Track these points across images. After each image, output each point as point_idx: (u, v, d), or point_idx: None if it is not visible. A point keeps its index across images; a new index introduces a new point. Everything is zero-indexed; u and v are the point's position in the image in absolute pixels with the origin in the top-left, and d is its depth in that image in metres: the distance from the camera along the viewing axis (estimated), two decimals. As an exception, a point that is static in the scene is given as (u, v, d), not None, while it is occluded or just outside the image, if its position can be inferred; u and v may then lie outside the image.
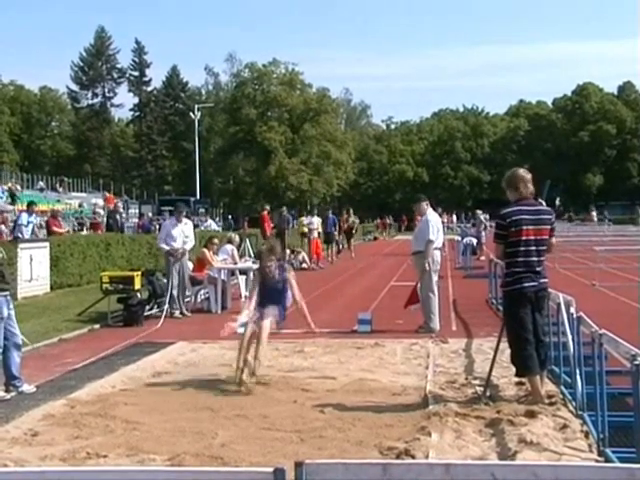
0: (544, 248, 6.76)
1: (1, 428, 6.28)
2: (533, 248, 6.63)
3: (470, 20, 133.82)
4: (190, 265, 14.89)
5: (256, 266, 15.26)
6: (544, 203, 7.51)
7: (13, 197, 31.43)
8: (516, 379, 7.10)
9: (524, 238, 6.58)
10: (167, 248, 13.59)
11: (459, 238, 29.49)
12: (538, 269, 6.70)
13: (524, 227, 6.59)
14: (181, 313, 13.42)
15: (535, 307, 6.72)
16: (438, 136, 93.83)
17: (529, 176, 6.93)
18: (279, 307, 7.95)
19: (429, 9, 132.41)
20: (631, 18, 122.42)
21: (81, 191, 49.60)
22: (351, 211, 35.39)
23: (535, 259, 6.66)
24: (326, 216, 31.52)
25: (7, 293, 7.86)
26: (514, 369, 6.91)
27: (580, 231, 47.77)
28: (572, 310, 6.90)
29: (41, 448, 5.65)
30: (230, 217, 52.31)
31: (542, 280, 6.74)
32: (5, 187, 32.04)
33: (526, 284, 6.62)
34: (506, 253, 6.73)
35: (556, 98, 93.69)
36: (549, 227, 6.81)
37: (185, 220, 14.49)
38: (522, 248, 6.59)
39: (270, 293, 7.99)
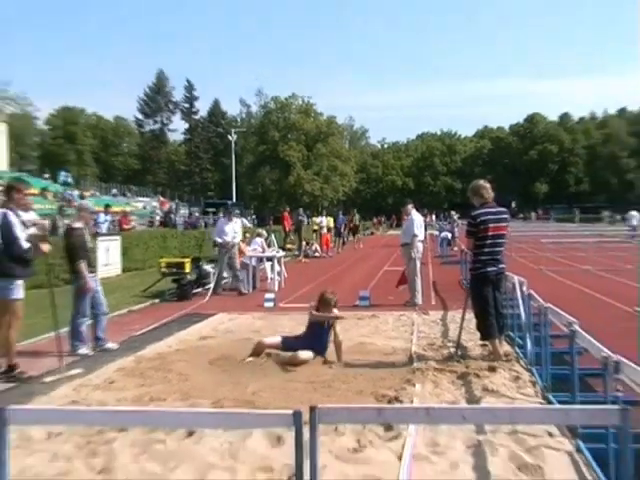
0: (503, 240, 6.79)
1: (86, 377, 6.38)
2: (495, 241, 6.68)
3: (447, 63, 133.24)
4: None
5: (280, 253, 15.41)
6: None
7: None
8: (480, 342, 7.12)
9: (490, 234, 6.62)
10: (220, 241, 13.63)
11: (437, 233, 29.42)
12: (498, 257, 6.74)
13: (490, 225, 6.63)
14: (240, 292, 13.21)
15: (495, 286, 6.75)
16: (421, 153, 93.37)
17: (488, 185, 6.99)
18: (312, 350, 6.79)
19: (415, 56, 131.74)
20: (568, 62, 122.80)
21: (144, 196, 49.71)
22: (355, 211, 35.35)
23: (497, 249, 6.71)
24: (337, 215, 31.64)
25: (95, 274, 8.05)
26: (479, 335, 6.93)
27: (531, 227, 47.95)
28: (524, 288, 6.95)
29: (116, 393, 5.71)
30: (255, 217, 52.19)
31: (501, 266, 6.78)
32: (77, 192, 32.21)
33: (489, 269, 6.66)
34: (475, 245, 6.74)
35: (512, 124, 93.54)
36: (506, 224, 6.88)
37: (235, 219, 14.53)
38: (488, 241, 6.63)
39: (312, 337, 6.92)
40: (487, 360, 6.60)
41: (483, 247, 6.65)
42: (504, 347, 6.94)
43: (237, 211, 38.31)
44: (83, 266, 7.63)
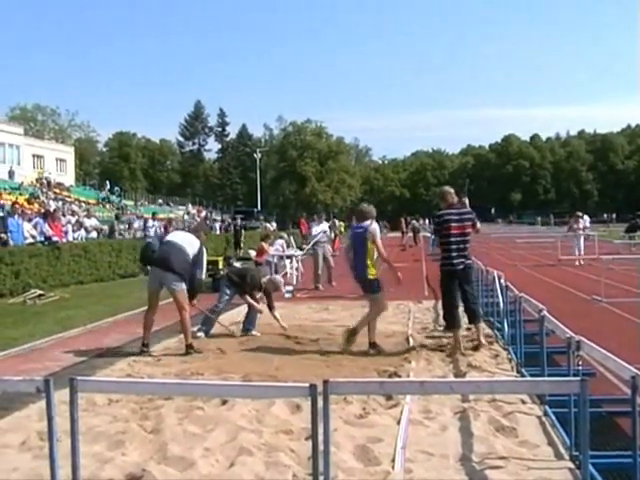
0: (467, 238, 6.28)
1: (138, 357, 6.39)
2: (458, 239, 6.20)
3: (438, 95, 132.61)
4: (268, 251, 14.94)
5: (298, 253, 15.39)
6: (467, 200, 6.89)
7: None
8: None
9: (452, 232, 6.19)
10: (315, 233, 14.07)
11: (430, 235, 29.27)
12: (463, 253, 6.23)
13: (452, 224, 6.20)
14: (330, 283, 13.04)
15: (463, 280, 6.25)
16: (416, 168, 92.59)
17: (452, 190, 6.52)
18: None
19: (411, 88, 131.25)
20: (538, 93, 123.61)
21: (184, 205, 49.95)
22: None
23: (461, 246, 6.21)
24: (350, 220, 32.27)
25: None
26: (444, 324, 6.62)
27: (508, 229, 47.97)
28: (502, 281, 6.88)
29: (163, 368, 5.76)
30: (275, 222, 52.15)
31: (467, 261, 6.30)
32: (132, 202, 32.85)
33: (455, 265, 6.20)
34: (441, 242, 6.38)
35: (491, 143, 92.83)
36: (470, 223, 6.32)
37: (324, 222, 15.12)
38: (452, 239, 6.19)
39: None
40: (469, 341, 6.49)
41: (448, 244, 6.22)
42: (484, 330, 6.77)
43: (262, 217, 38.69)
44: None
